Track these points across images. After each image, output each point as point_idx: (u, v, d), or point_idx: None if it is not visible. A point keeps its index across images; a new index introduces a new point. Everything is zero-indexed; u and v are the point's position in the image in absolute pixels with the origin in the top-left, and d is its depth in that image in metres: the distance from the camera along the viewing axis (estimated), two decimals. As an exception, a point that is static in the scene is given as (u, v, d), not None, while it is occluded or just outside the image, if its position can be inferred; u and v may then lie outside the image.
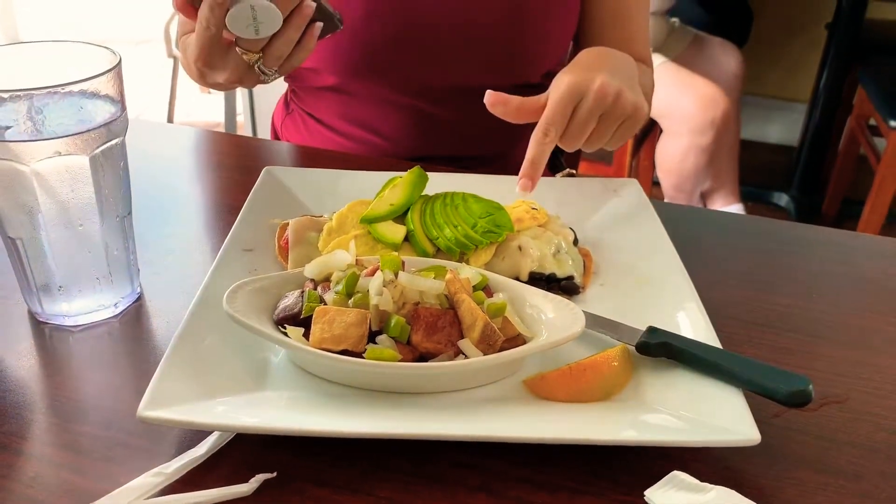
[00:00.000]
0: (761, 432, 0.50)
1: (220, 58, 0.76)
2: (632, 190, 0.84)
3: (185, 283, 0.69)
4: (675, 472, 0.48)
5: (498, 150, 1.09)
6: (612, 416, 0.54)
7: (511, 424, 0.53)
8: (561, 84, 0.72)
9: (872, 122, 2.44)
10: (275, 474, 0.50)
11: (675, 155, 2.29)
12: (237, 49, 0.75)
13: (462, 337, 0.56)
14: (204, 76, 0.81)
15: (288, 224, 0.72)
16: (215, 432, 0.52)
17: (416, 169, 0.73)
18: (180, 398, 0.52)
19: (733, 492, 0.47)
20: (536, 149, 0.71)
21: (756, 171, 2.98)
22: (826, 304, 0.73)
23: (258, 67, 0.76)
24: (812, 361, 0.65)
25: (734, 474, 0.52)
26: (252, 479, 0.49)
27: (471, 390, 0.57)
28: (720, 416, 0.53)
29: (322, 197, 0.80)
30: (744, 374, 0.54)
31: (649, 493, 0.48)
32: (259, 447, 0.52)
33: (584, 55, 0.80)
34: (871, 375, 0.63)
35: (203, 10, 0.71)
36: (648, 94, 1.02)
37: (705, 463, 0.53)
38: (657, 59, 2.22)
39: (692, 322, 0.63)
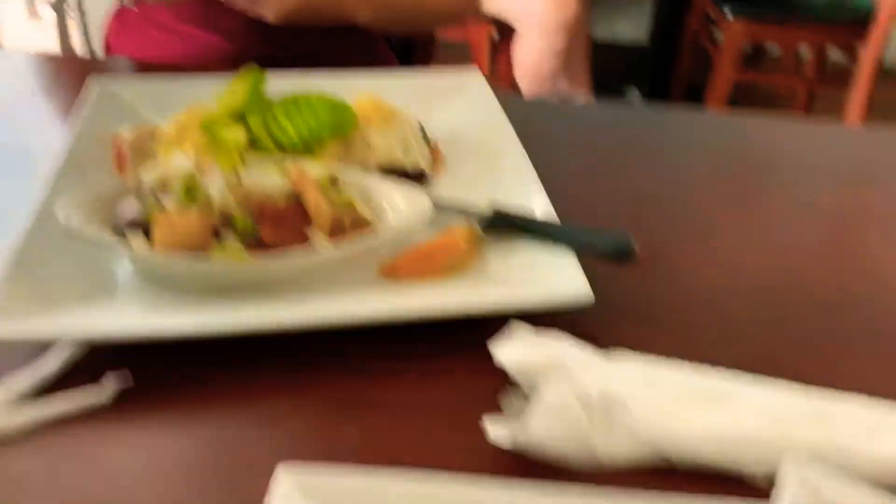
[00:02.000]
0: (596, 292, 0.55)
1: None
2: (475, 82, 0.85)
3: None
4: (515, 322, 0.52)
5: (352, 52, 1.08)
6: (461, 291, 0.57)
7: (364, 307, 0.55)
8: None
9: (713, 16, 2.56)
10: (132, 383, 0.50)
11: (529, 57, 2.33)
12: None
13: (311, 230, 0.56)
14: None
15: (124, 136, 0.69)
16: (65, 345, 0.51)
17: (252, 67, 0.71)
18: (23, 313, 0.50)
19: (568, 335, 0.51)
20: None
21: (606, 70, 3.08)
22: (668, 176, 0.78)
23: None
24: (639, 222, 0.70)
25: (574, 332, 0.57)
26: (106, 385, 0.49)
27: (323, 282, 0.58)
28: (558, 281, 0.57)
29: (159, 105, 0.76)
30: (575, 238, 0.58)
31: (495, 347, 0.51)
32: (116, 358, 0.52)
33: None
34: (699, 230, 0.69)
35: None
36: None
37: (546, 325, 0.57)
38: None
39: (533, 201, 0.66)
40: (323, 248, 0.56)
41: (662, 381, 0.52)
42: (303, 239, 0.56)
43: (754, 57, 3.33)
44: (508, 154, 0.74)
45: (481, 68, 0.88)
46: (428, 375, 0.53)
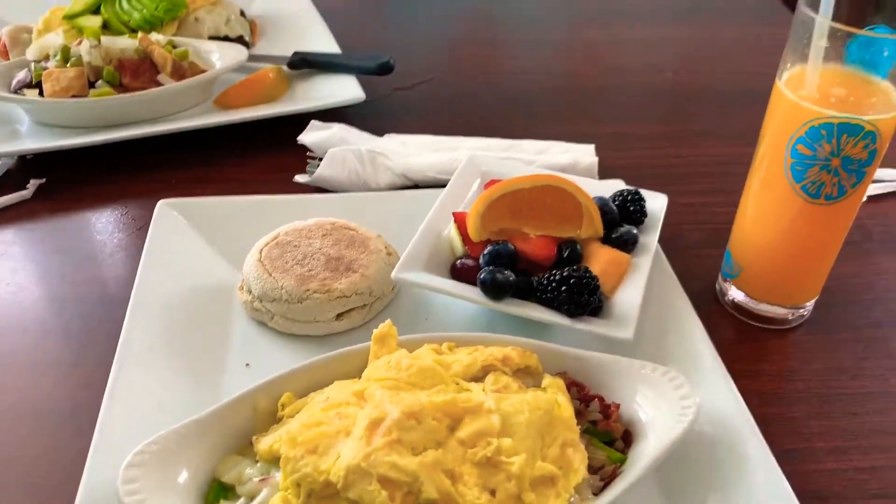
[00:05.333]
0: (370, 95, 0.81)
1: None
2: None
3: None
4: (313, 120, 0.77)
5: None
6: (275, 106, 0.82)
7: (207, 120, 0.78)
8: None
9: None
10: (44, 179, 0.72)
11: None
12: None
13: (159, 73, 0.79)
14: None
15: (1, 31, 0.88)
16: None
17: (100, -28, 0.91)
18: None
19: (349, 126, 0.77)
20: None
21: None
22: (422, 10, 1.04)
23: None
24: (400, 44, 0.96)
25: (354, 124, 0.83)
26: (29, 185, 0.71)
27: (175, 114, 0.80)
28: (342, 91, 0.83)
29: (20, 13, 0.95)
30: (353, 64, 0.84)
31: (301, 136, 0.76)
32: (32, 168, 0.73)
33: None
34: (447, 48, 0.96)
35: None
36: None
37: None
38: None
39: (324, 45, 0.91)
40: (168, 85, 0.79)
41: (411, 142, 0.79)
42: (155, 82, 0.79)
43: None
44: (306, 15, 0.99)
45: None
46: (253, 159, 0.78)
